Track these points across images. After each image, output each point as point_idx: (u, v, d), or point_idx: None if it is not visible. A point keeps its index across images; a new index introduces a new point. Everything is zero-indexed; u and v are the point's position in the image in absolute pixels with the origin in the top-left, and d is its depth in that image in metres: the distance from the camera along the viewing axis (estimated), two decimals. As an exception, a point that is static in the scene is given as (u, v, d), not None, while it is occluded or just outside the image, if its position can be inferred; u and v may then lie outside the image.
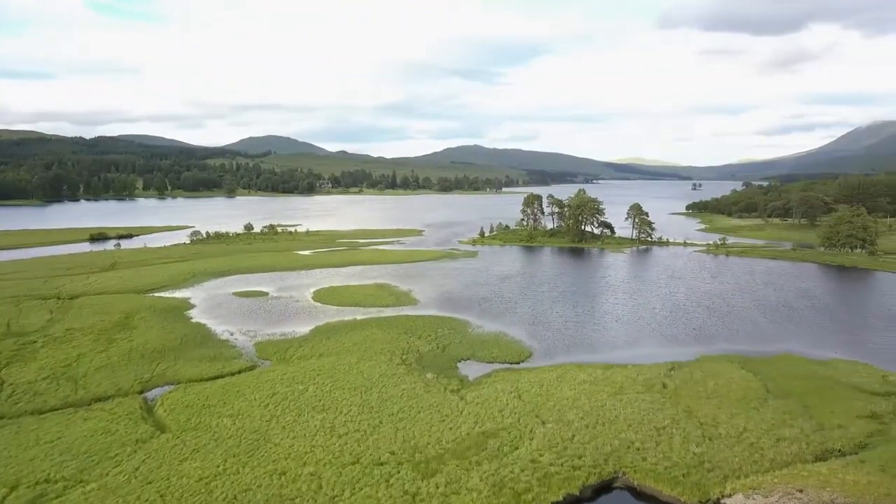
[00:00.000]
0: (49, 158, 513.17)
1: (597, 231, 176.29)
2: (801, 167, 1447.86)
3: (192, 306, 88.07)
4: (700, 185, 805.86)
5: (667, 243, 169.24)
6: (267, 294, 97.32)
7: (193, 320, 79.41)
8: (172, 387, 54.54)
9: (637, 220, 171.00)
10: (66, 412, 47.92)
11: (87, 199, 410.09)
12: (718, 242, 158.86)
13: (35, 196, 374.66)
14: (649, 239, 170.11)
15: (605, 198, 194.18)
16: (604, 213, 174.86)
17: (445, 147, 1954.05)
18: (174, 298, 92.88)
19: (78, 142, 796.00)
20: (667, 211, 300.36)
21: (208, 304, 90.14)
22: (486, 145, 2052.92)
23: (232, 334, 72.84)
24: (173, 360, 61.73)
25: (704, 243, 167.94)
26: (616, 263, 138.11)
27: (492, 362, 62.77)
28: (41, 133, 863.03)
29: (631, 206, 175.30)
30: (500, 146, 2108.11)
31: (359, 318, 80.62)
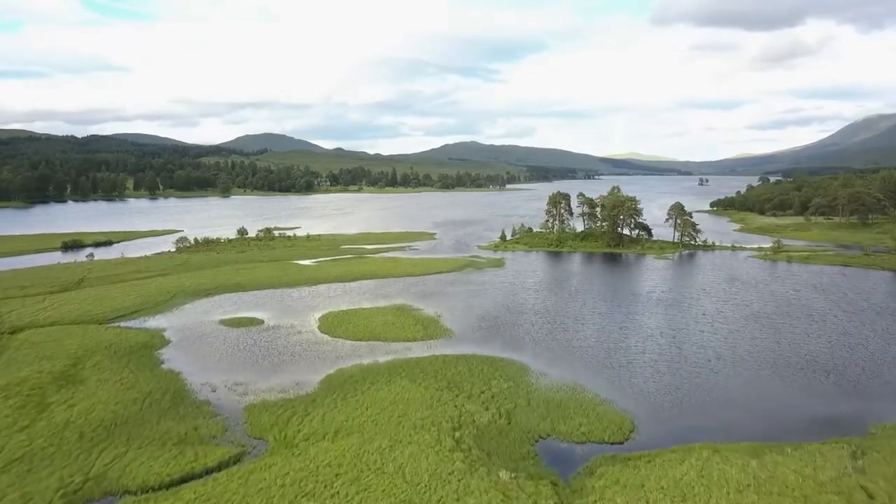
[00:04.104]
0: (37, 158, 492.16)
1: (632, 234, 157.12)
2: (800, 161, 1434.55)
3: (166, 342, 68.95)
4: (707, 181, 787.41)
5: (712, 247, 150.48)
6: (262, 322, 78.18)
7: (164, 366, 60.31)
8: (114, 501, 35.57)
9: (679, 222, 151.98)
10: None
11: (75, 200, 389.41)
12: (775, 246, 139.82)
13: (18, 197, 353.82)
14: (693, 243, 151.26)
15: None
16: (641, 214, 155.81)
17: (443, 143, 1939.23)
18: (144, 330, 73.73)
19: (69, 140, 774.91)
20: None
21: (187, 337, 71.05)
22: (483, 142, 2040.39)
23: (214, 390, 53.77)
24: (125, 443, 42.64)
25: (756, 247, 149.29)
26: (667, 273, 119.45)
27: (584, 442, 43.81)
28: (31, 132, 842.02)
29: (672, 206, 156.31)
30: (497, 142, 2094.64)
31: (381, 360, 61.58)
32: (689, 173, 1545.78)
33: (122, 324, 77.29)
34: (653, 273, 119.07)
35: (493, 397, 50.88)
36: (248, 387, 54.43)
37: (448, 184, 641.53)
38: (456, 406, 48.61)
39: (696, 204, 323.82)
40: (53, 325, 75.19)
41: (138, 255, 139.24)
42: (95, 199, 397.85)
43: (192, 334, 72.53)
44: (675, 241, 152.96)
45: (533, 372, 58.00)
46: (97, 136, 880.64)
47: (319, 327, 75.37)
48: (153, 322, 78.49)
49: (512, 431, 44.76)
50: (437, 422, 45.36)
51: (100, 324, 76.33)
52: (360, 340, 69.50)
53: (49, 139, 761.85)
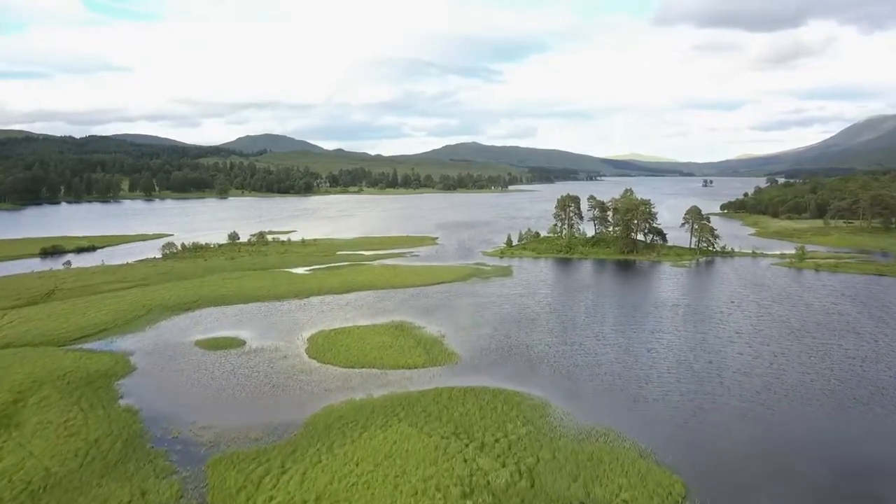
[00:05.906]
0: (32, 158, 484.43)
1: (647, 239, 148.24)
2: (803, 162, 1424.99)
3: (131, 370, 60.26)
4: (711, 182, 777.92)
5: (732, 253, 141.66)
6: (243, 343, 69.49)
7: (122, 402, 51.64)
8: None
9: (696, 227, 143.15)
10: None
11: (69, 202, 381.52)
12: (800, 253, 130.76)
13: (9, 199, 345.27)
14: (710, 249, 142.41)
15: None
16: (656, 218, 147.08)
17: (444, 144, 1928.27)
18: (109, 354, 65.07)
19: (67, 141, 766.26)
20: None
21: (156, 363, 62.36)
22: (485, 142, 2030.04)
23: (175, 436, 45.06)
24: (51, 516, 33.96)
25: (779, 253, 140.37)
26: (688, 282, 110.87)
27: (627, 515, 35.04)
28: (29, 132, 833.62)
29: (688, 210, 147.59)
30: (499, 143, 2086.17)
31: (376, 394, 52.83)
32: (691, 174, 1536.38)
33: (86, 345, 68.67)
34: (672, 282, 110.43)
35: (509, 447, 42.11)
36: (217, 430, 45.72)
37: (449, 185, 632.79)
38: (465, 461, 39.86)
39: (705, 206, 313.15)
40: (7, 346, 66.70)
41: (121, 262, 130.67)
42: (90, 201, 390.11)
43: (162, 358, 63.87)
44: (692, 246, 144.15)
45: (555, 410, 49.21)
46: (95, 136, 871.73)
47: (307, 350, 66.66)
48: (121, 343, 69.83)
49: (536, 499, 35.92)
50: (442, 485, 36.62)
51: (60, 346, 67.68)
52: (352, 367, 60.79)
53: (46, 139, 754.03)
